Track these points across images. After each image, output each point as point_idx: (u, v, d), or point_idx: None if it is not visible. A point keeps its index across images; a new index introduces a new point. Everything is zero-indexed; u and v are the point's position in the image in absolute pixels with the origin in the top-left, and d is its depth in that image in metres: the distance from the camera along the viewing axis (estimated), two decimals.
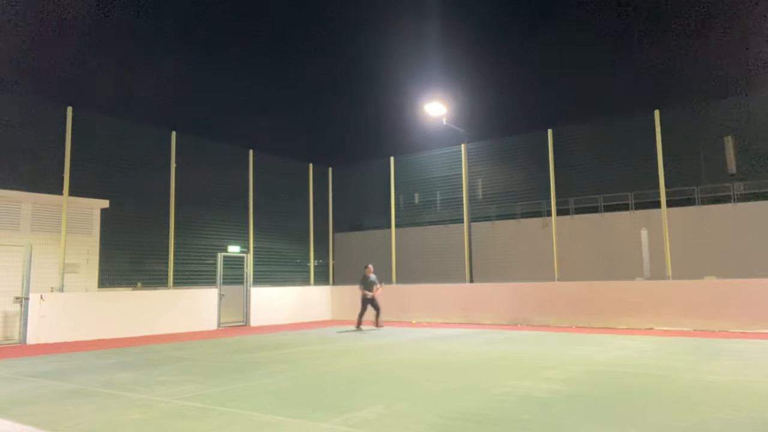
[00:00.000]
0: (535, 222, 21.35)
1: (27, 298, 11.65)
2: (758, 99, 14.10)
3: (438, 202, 19.35)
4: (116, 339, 12.43)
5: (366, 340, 11.81)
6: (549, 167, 15.24)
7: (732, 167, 18.39)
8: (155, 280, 14.64)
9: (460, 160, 16.98)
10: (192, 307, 14.64)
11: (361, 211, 23.94)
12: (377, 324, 14.28)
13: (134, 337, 12.76)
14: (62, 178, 12.79)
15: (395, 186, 18.25)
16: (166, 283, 14.52)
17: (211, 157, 16.47)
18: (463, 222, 16.92)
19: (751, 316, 11.87)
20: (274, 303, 16.82)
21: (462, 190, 16.94)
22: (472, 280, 16.39)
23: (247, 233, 16.74)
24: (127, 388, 6.48)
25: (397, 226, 18.33)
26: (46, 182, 13.31)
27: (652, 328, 12.70)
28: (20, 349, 10.87)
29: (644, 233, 19.61)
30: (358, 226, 25.32)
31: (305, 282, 18.56)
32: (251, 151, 17.23)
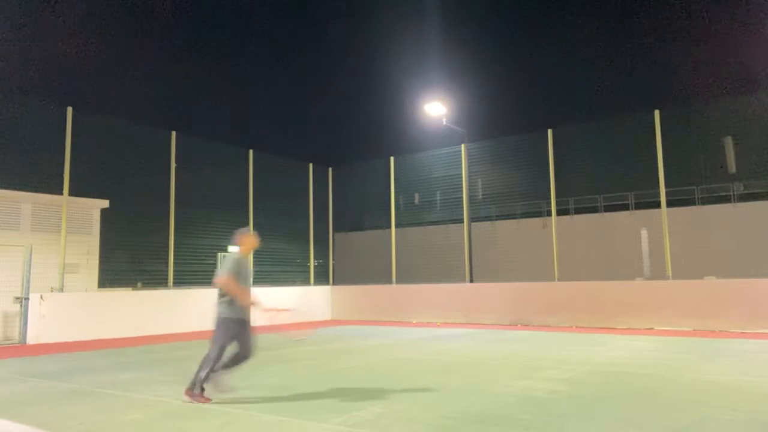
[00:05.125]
0: (535, 222, 21.34)
1: (27, 298, 11.64)
2: (758, 99, 14.10)
3: (438, 202, 19.34)
4: (116, 339, 12.42)
5: (366, 340, 11.81)
6: (549, 167, 15.24)
7: (732, 167, 18.38)
8: (155, 280, 14.64)
9: (460, 160, 16.98)
10: (192, 307, 14.61)
11: (361, 211, 23.94)
12: None
13: (134, 337, 12.75)
14: (62, 178, 12.79)
15: (395, 186, 18.25)
16: (166, 283, 14.51)
17: (211, 157, 16.47)
18: (463, 222, 16.92)
19: (751, 316, 11.86)
20: (274, 303, 16.78)
21: (462, 190, 16.94)
22: (472, 280, 16.39)
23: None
24: (127, 388, 6.48)
25: (397, 226, 18.33)
26: (46, 182, 13.30)
27: (652, 328, 12.70)
28: (20, 349, 10.87)
29: (644, 233, 19.61)
30: (358, 226, 25.30)
31: (305, 282, 18.55)
32: (251, 151, 17.22)
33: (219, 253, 15.66)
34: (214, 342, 5.67)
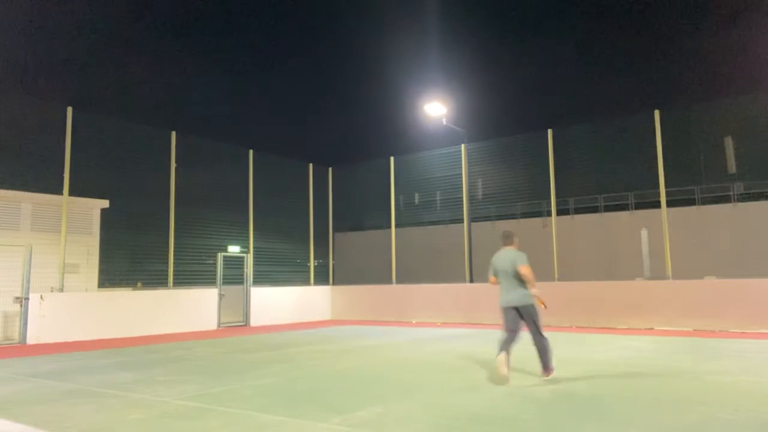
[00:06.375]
0: (535, 222, 21.34)
1: (27, 298, 11.65)
2: (758, 99, 14.09)
3: (438, 202, 19.35)
4: (116, 339, 12.43)
5: (366, 340, 11.81)
6: (549, 167, 15.23)
7: (732, 167, 18.38)
8: (155, 280, 14.64)
9: (460, 160, 16.98)
10: (192, 307, 14.64)
11: (361, 211, 23.94)
12: None
13: (134, 337, 12.76)
14: (62, 178, 12.79)
15: (395, 186, 18.24)
16: (166, 283, 14.51)
17: (211, 157, 16.48)
18: (463, 222, 16.92)
19: (751, 316, 11.86)
20: (274, 303, 16.82)
21: (462, 190, 16.94)
22: (472, 280, 16.39)
23: (247, 233, 16.74)
24: (127, 388, 6.48)
25: (397, 226, 18.32)
26: (46, 182, 13.30)
27: (652, 328, 12.70)
28: (20, 349, 10.87)
29: (644, 233, 19.60)
30: (358, 226, 25.31)
31: (305, 282, 18.56)
32: (251, 151, 17.23)
33: (219, 253, 15.67)
34: (538, 325, 6.58)
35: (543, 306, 6.71)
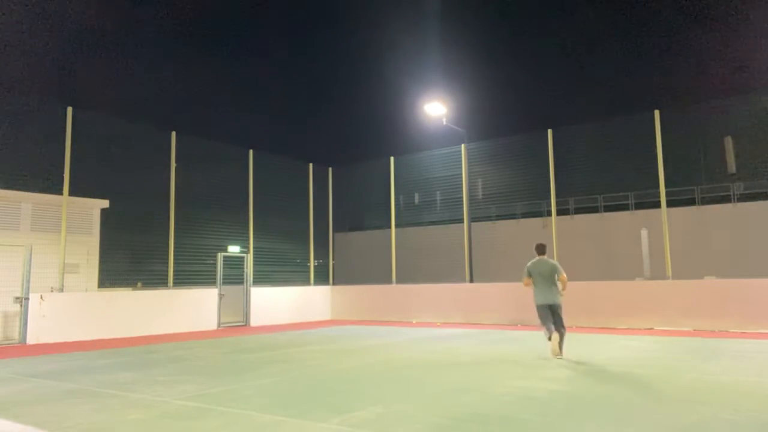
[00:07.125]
0: (535, 222, 21.33)
1: (27, 298, 11.65)
2: (758, 99, 14.09)
3: (438, 202, 19.35)
4: (116, 339, 12.43)
5: (366, 340, 11.81)
6: (549, 167, 15.24)
7: (732, 167, 18.38)
8: (155, 280, 14.65)
9: (460, 160, 16.98)
10: (192, 307, 14.64)
11: (361, 211, 23.94)
12: None
13: (134, 337, 12.76)
14: (62, 178, 12.80)
15: (395, 186, 18.24)
16: (166, 283, 14.51)
17: (211, 157, 16.48)
18: (463, 222, 16.92)
19: (751, 316, 11.86)
20: (274, 303, 16.82)
21: (462, 190, 16.94)
22: (472, 280, 16.39)
23: (247, 233, 16.74)
24: (127, 388, 6.49)
25: (397, 226, 18.32)
26: (46, 182, 13.31)
27: (652, 328, 12.70)
28: (20, 349, 10.87)
29: (644, 233, 19.60)
30: (358, 226, 25.31)
31: (305, 282, 18.56)
32: (251, 151, 17.23)
33: (219, 253, 15.67)
34: (562, 318, 8.40)
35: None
